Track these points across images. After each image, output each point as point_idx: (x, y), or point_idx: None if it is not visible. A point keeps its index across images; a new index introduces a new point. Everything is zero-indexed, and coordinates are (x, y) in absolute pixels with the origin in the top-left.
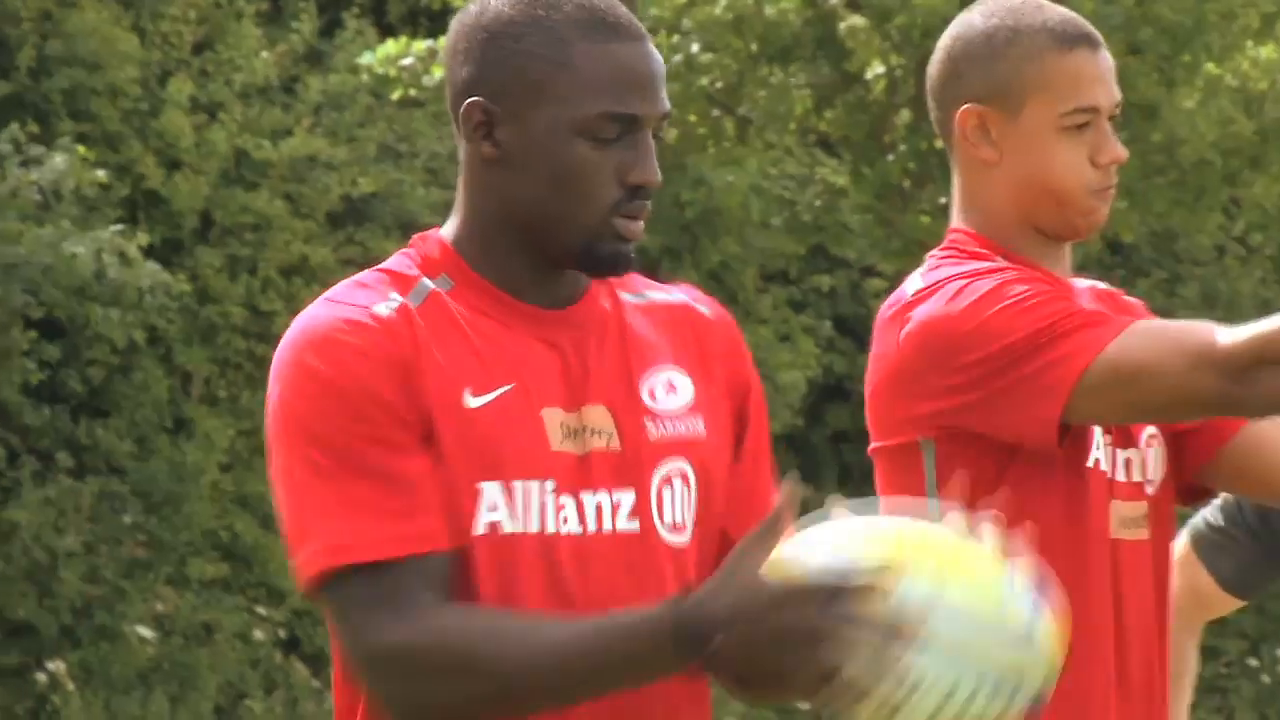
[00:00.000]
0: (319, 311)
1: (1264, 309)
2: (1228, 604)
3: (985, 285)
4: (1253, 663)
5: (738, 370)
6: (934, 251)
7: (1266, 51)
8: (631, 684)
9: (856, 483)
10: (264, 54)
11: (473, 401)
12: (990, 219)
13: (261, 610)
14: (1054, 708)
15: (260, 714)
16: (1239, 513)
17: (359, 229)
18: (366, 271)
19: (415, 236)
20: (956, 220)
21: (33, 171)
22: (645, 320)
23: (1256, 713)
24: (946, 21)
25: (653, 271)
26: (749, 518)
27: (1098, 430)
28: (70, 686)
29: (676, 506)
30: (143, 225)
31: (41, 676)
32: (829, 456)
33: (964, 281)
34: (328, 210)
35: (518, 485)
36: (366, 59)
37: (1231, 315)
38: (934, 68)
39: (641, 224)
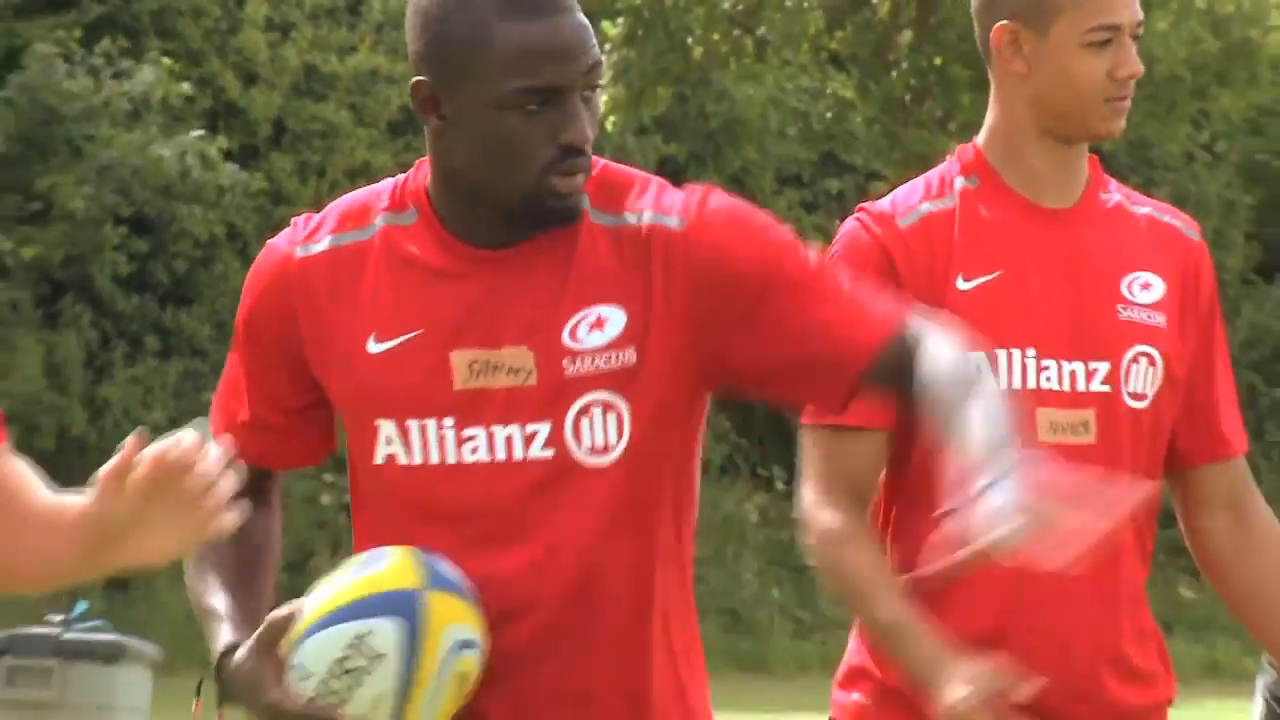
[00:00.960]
0: (274, 240)
1: (1228, 208)
2: None
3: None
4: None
5: (705, 272)
6: (945, 162)
7: None
8: None
9: None
10: None
11: (374, 347)
12: (1011, 128)
13: (328, 477)
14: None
15: (326, 570)
16: None
17: (416, 137)
18: (353, 194)
19: (419, 162)
20: (981, 133)
21: (124, 83)
22: (604, 248)
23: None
24: None
25: (679, 176)
26: (809, 341)
27: (1016, 352)
28: None
29: (597, 432)
30: (222, 132)
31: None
32: None
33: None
34: (388, 120)
35: (412, 424)
36: None
37: (1200, 212)
38: None
39: (579, 179)
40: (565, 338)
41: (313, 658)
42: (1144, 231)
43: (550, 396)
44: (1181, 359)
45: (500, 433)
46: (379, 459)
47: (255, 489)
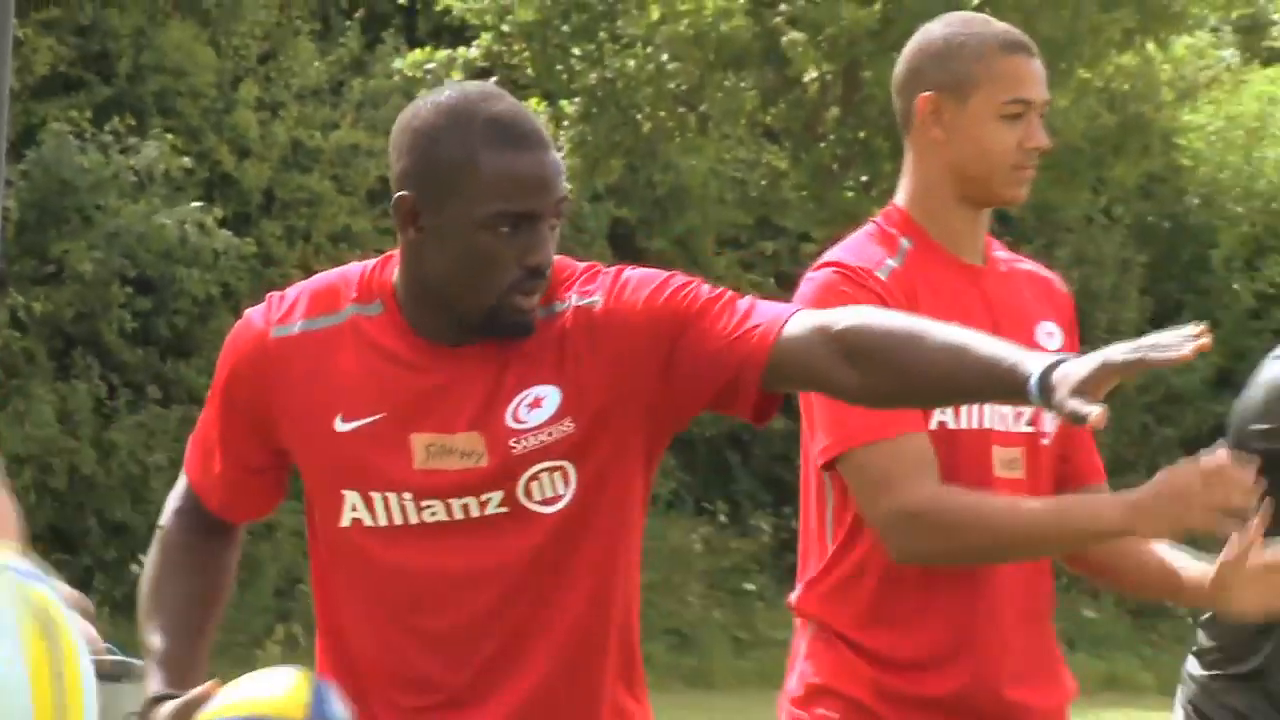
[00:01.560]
0: (250, 315)
1: (1124, 267)
2: None
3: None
4: None
5: (618, 341)
6: (869, 225)
7: (1126, 59)
8: None
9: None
10: (316, 63)
11: (341, 426)
12: (928, 191)
13: None
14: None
15: (310, 596)
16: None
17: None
18: (321, 276)
19: (383, 258)
20: (899, 195)
21: (130, 158)
22: (541, 335)
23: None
24: (868, 34)
25: (630, 238)
26: (738, 354)
27: None
28: None
29: (547, 488)
30: (217, 201)
31: (135, 568)
32: None
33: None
34: (367, 189)
35: (375, 495)
36: (398, 64)
37: (1099, 271)
38: (899, 67)
39: (536, 298)
40: (509, 419)
41: None
42: (1034, 286)
43: (501, 472)
44: None
45: (456, 503)
46: (345, 522)
47: (220, 529)
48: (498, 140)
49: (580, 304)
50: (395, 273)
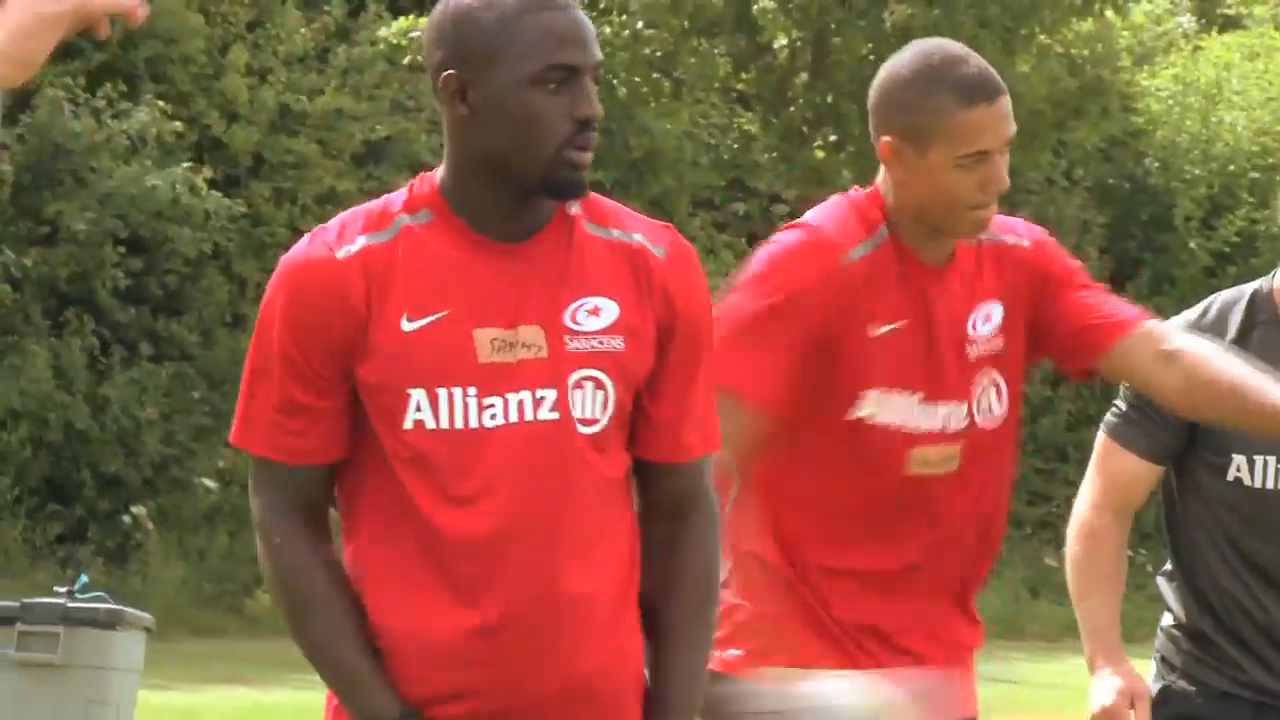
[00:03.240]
0: (300, 247)
1: (1084, 228)
2: (1153, 475)
3: (750, 301)
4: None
5: (670, 300)
6: (859, 196)
7: (1086, 25)
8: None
9: None
10: (303, 30)
11: (407, 325)
12: (898, 206)
13: None
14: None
15: None
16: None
17: (376, 167)
18: (366, 205)
19: (419, 175)
20: (882, 184)
21: (122, 123)
22: (598, 252)
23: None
24: (837, 1)
25: (606, 199)
26: (669, 406)
27: (874, 393)
28: (150, 526)
29: (587, 404)
30: (207, 164)
31: (127, 519)
32: None
33: (761, 269)
34: (352, 152)
35: (441, 391)
36: (383, 32)
37: (1060, 231)
38: (871, 96)
39: (589, 154)
40: (567, 319)
41: None
42: (985, 266)
43: (555, 367)
44: (1036, 325)
45: (513, 398)
46: (408, 424)
47: (317, 511)
48: (533, 4)
49: (644, 244)
50: (439, 176)
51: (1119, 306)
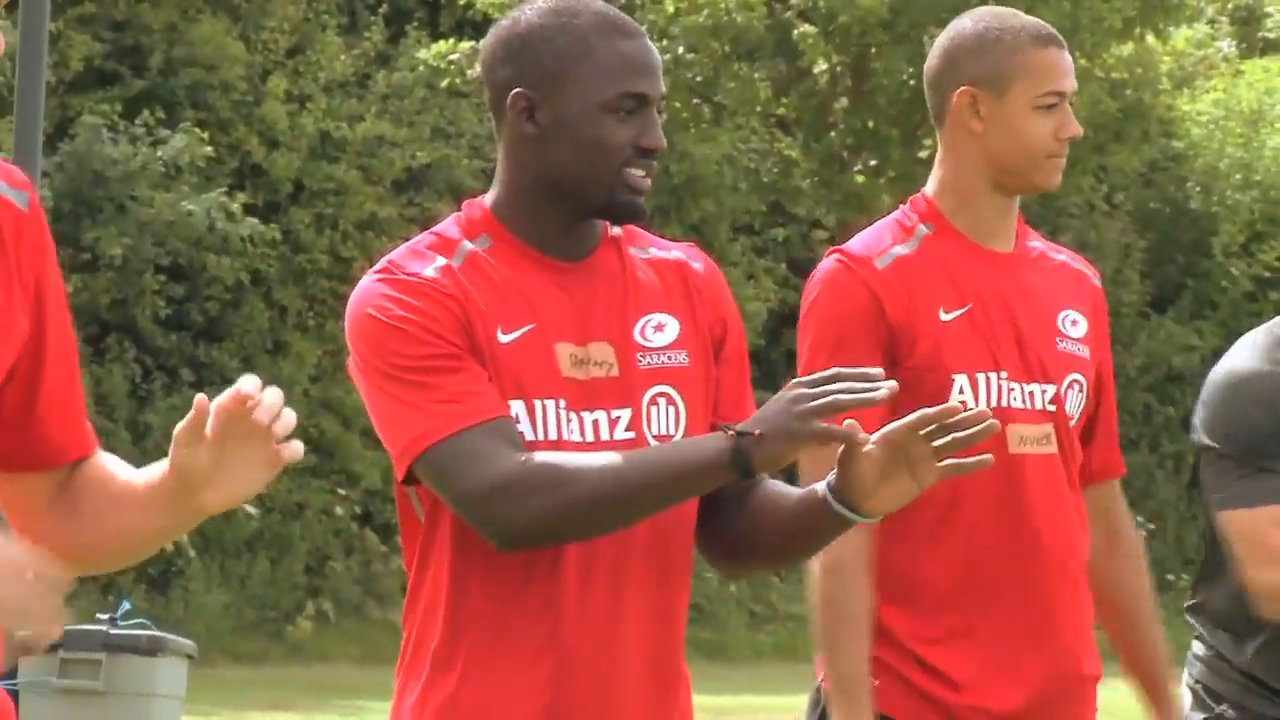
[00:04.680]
0: (378, 278)
1: (1125, 252)
2: None
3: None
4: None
5: (718, 311)
6: (896, 212)
7: (1127, 49)
8: (691, 488)
9: None
10: (342, 56)
11: (503, 338)
12: (961, 179)
13: (341, 491)
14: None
15: (340, 573)
16: None
17: (417, 193)
18: (420, 236)
19: (465, 202)
20: (929, 185)
21: (159, 150)
22: (646, 271)
23: None
24: (879, 25)
25: (645, 227)
26: (732, 411)
27: (963, 376)
28: (192, 553)
29: (662, 421)
30: (248, 191)
31: (169, 545)
32: (784, 369)
33: (805, 308)
34: (393, 179)
35: (538, 403)
36: (422, 55)
37: (1100, 255)
38: (932, 60)
39: (650, 179)
40: (637, 335)
41: None
42: (1063, 276)
43: (629, 386)
44: (1094, 388)
45: (589, 418)
46: None
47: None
48: (608, 29)
49: (682, 259)
50: (490, 200)
51: (1114, 441)
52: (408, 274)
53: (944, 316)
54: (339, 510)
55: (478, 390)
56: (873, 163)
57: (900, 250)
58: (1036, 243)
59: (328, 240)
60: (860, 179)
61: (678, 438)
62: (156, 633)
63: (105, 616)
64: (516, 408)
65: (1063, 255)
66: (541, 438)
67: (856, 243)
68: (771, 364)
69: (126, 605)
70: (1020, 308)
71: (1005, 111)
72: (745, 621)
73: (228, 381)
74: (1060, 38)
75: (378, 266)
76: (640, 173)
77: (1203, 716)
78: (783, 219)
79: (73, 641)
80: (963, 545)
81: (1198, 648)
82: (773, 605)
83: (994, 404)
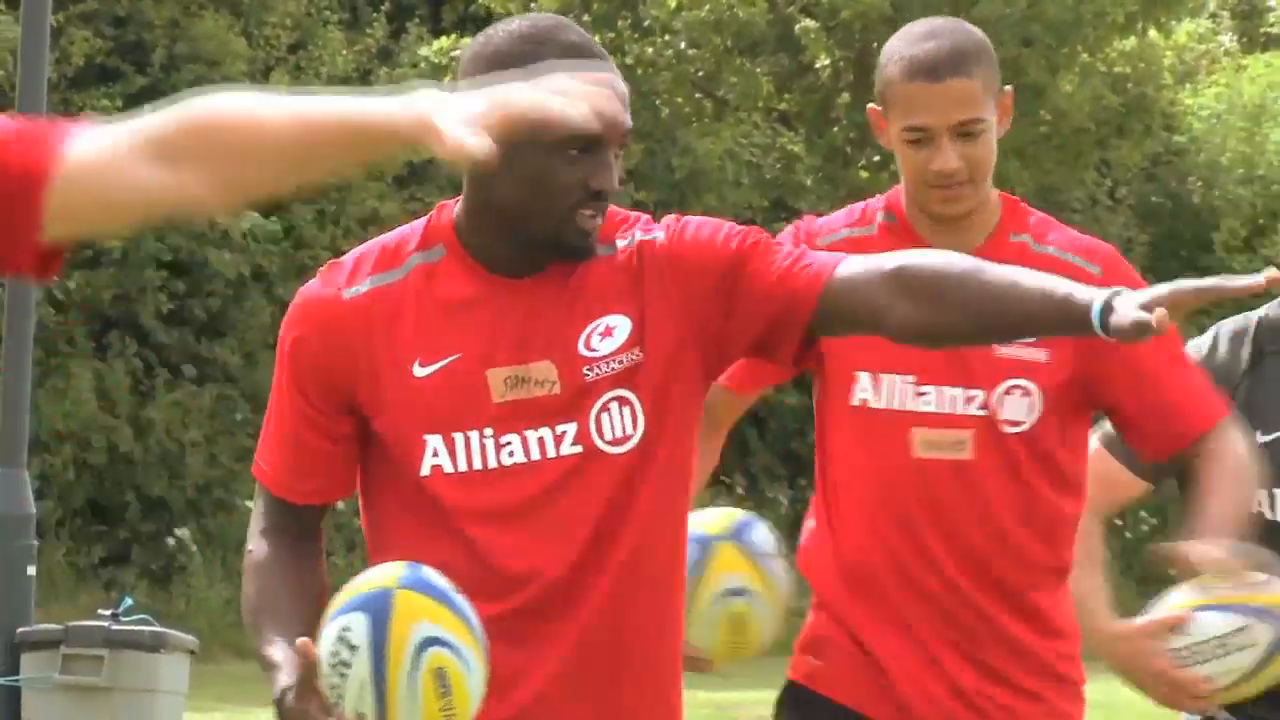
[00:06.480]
0: (313, 284)
1: (1127, 246)
2: (1136, 488)
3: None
4: (1116, 521)
5: (688, 263)
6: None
7: (1129, 43)
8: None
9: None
10: (344, 52)
11: (420, 371)
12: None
13: None
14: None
15: (342, 567)
16: None
17: (419, 188)
18: (377, 240)
19: (440, 205)
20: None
21: None
22: (603, 270)
23: (1124, 562)
24: (881, 19)
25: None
26: (790, 289)
27: (864, 375)
28: (194, 548)
29: (616, 425)
30: None
31: (171, 540)
32: None
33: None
34: (395, 173)
35: (458, 436)
36: (424, 51)
37: None
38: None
39: (598, 220)
40: (581, 347)
41: (321, 656)
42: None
43: (574, 400)
44: (1069, 388)
45: (533, 436)
46: (425, 471)
47: (308, 537)
48: (573, 66)
49: (644, 239)
50: (456, 211)
51: (1172, 413)
52: (324, 293)
53: None
54: (340, 505)
55: (312, 469)
56: (875, 158)
57: (849, 233)
58: (1025, 236)
59: (330, 235)
60: (863, 174)
61: (636, 438)
62: (159, 628)
63: (107, 612)
64: (434, 442)
65: (1051, 248)
66: (465, 469)
67: (818, 219)
68: None
69: (128, 601)
70: None
71: (891, 137)
72: None
73: (230, 378)
74: (945, 69)
75: (328, 263)
76: (590, 213)
77: (1202, 717)
78: (785, 214)
79: (75, 637)
80: (852, 542)
81: None
82: None
83: (895, 406)
